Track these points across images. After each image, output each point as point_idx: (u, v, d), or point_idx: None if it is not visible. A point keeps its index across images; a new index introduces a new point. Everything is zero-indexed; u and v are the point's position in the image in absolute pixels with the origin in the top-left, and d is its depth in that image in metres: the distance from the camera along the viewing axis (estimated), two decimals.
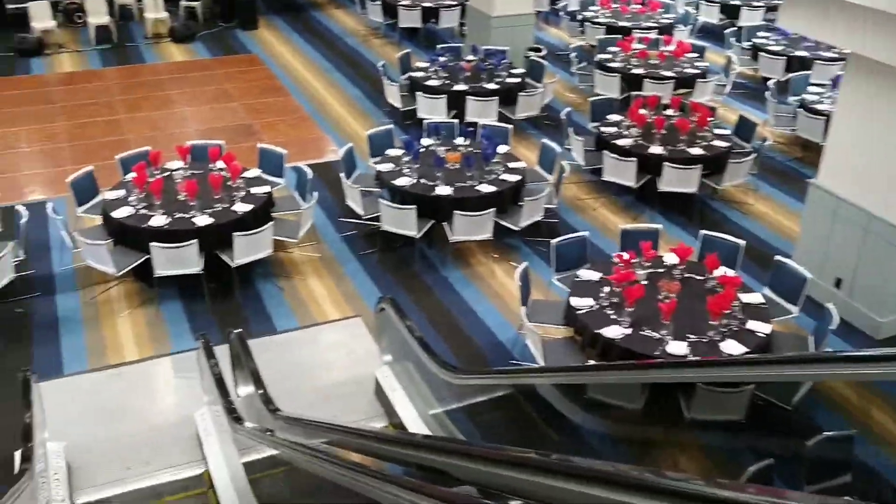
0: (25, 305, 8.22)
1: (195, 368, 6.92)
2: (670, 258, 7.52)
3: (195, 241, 7.82)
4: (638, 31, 14.67)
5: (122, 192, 8.58)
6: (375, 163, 9.59)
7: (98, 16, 16.03)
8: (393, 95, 12.21)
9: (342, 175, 9.39)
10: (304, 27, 17.32)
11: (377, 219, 8.84)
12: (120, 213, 8.23)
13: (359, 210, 9.10)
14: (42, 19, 15.69)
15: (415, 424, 6.47)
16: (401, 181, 8.98)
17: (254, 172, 9.12)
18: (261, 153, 9.69)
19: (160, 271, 7.92)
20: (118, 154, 9.51)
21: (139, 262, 8.02)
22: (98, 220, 8.68)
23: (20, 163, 11.32)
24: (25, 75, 14.54)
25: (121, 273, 8.04)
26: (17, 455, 5.58)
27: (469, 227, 8.59)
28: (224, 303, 8.32)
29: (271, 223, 8.28)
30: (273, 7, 18.30)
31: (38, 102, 13.26)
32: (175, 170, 9.01)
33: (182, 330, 7.95)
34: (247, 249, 8.11)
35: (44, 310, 8.20)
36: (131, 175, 8.69)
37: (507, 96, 11.71)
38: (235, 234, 7.95)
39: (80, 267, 8.56)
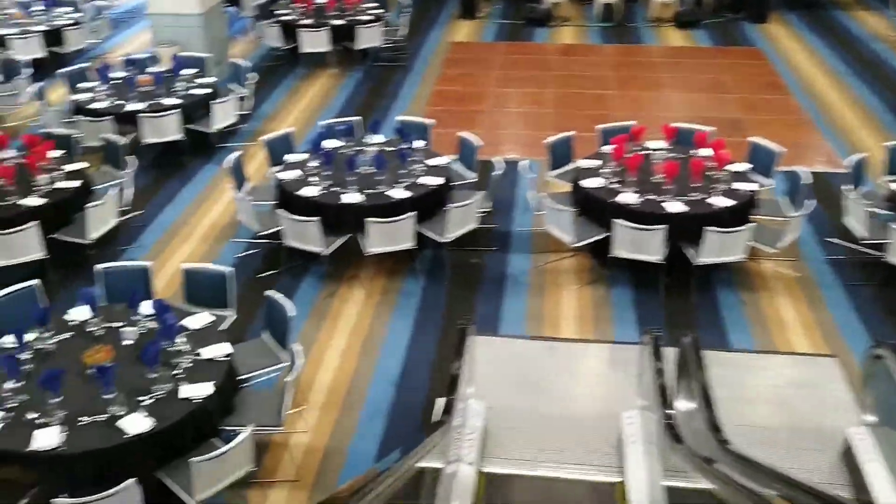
0: (480, 257, 8.18)
1: (634, 364, 6.16)
2: None
3: (663, 227, 7.04)
4: None
5: (596, 162, 8.11)
6: (890, 181, 7.91)
7: None
8: None
9: (846, 188, 7.89)
10: (820, 25, 15.52)
11: (881, 247, 7.24)
12: (589, 183, 7.77)
13: (860, 232, 7.55)
14: None
15: None
16: None
17: (741, 167, 8.04)
18: (752, 148, 8.56)
19: (623, 252, 7.28)
20: (599, 125, 9.10)
21: (599, 237, 7.48)
22: (566, 187, 8.34)
23: (506, 122, 11.56)
24: (529, 42, 15.01)
25: (577, 245, 7.58)
26: (439, 403, 5.34)
27: None
28: (677, 302, 7.44)
29: (751, 225, 7.17)
30: (787, 2, 16.72)
31: (535, 69, 13.51)
32: (656, 149, 8.32)
33: (627, 319, 7.26)
34: (717, 249, 7.12)
35: (495, 265, 8.08)
36: (609, 147, 8.17)
37: None
38: (708, 228, 7.01)
39: (537, 231, 8.30)
